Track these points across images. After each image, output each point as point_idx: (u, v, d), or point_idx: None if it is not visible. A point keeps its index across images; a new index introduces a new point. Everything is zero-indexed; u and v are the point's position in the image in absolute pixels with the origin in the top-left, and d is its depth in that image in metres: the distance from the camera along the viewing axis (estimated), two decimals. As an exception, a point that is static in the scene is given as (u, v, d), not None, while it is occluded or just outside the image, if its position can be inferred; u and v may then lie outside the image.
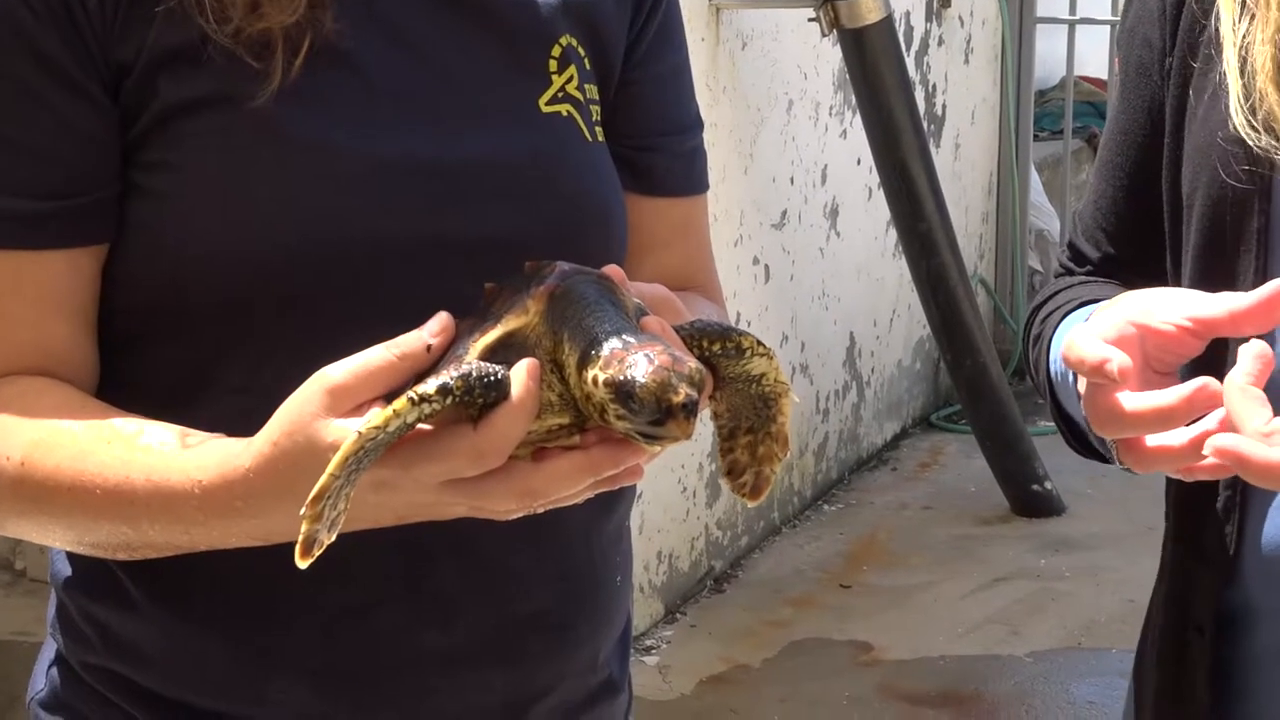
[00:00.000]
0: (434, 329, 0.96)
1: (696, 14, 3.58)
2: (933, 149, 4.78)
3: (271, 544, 0.97)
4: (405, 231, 1.12)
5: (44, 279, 1.06)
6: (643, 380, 0.87)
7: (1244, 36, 1.20)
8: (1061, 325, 1.24)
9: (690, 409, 0.87)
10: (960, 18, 5.04)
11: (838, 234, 4.37)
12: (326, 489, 0.87)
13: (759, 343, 0.98)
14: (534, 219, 1.16)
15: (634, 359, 0.88)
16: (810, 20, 3.81)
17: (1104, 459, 1.18)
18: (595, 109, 1.23)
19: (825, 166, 4.26)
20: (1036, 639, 3.47)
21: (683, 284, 1.29)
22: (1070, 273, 1.38)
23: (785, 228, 4.11)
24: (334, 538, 0.88)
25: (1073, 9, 5.20)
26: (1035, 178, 5.38)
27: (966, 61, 5.15)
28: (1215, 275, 1.20)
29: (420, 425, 0.90)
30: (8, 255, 1.05)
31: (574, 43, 1.22)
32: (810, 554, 3.97)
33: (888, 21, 3.84)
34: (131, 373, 1.08)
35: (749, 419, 1.01)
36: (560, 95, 1.21)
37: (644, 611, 3.45)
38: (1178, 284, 1.23)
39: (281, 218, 1.08)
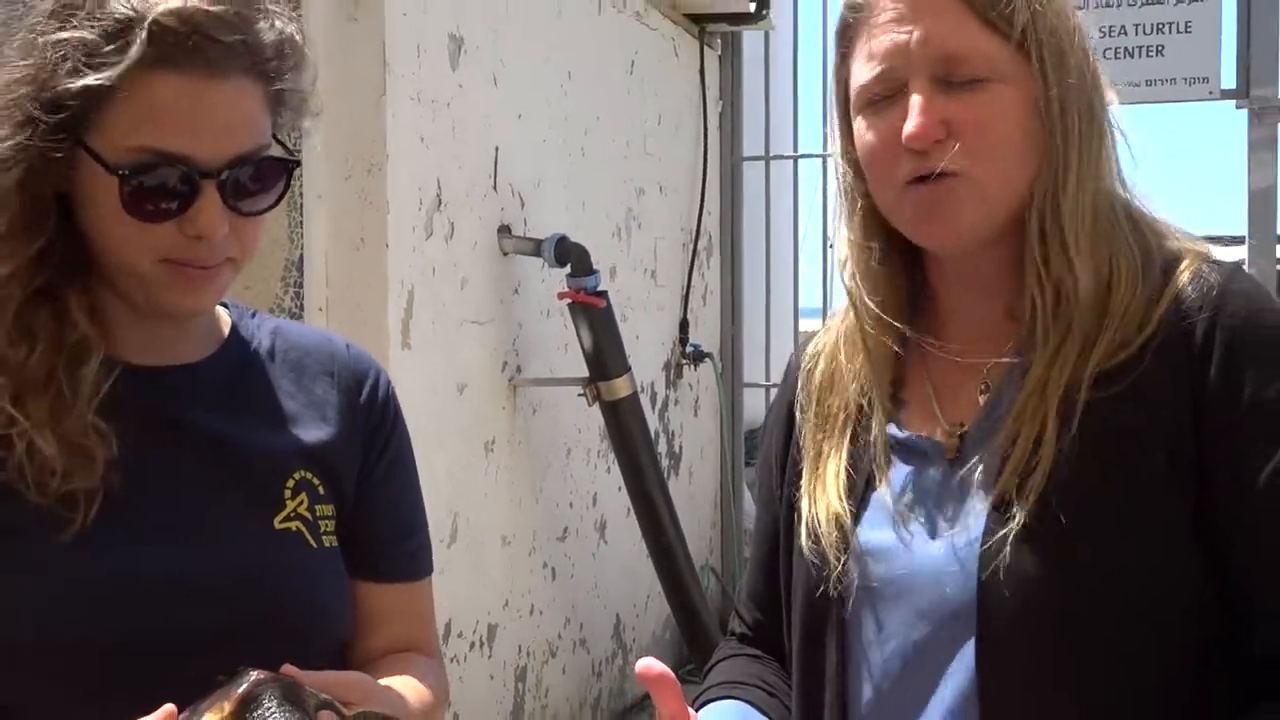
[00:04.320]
0: (158, 718, 1.04)
1: (498, 390, 3.97)
2: (674, 477, 5.24)
3: None
4: (161, 632, 1.21)
5: None
6: None
7: (812, 478, 1.29)
8: (700, 714, 1.33)
9: None
10: (690, 384, 5.50)
11: (606, 543, 4.71)
12: None
13: None
14: (266, 614, 1.26)
15: None
16: (579, 395, 4.23)
17: None
18: (325, 523, 1.34)
19: (595, 494, 4.62)
20: None
21: (407, 647, 1.42)
22: (733, 632, 1.45)
23: (566, 540, 4.44)
24: None
25: (768, 377, 5.74)
26: (747, 494, 5.74)
27: (696, 414, 5.56)
28: (810, 661, 1.26)
29: None
30: None
31: (308, 475, 1.34)
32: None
33: (634, 395, 4.30)
34: None
35: None
36: (292, 515, 1.31)
37: None
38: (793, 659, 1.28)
39: (58, 620, 1.19)
